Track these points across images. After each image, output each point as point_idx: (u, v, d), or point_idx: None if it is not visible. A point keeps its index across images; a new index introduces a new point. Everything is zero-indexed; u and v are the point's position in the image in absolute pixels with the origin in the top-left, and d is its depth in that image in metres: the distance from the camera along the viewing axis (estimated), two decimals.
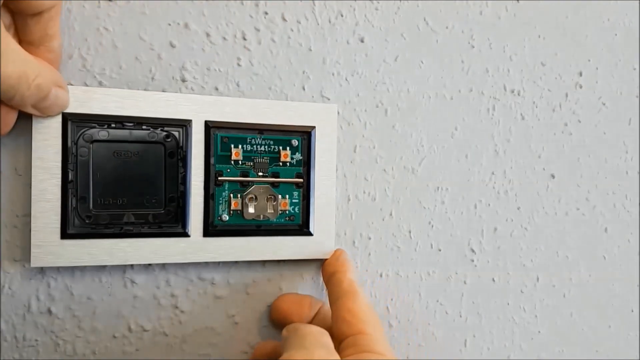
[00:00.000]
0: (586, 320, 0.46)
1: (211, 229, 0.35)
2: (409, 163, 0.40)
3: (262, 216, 0.36)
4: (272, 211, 0.36)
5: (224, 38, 0.36)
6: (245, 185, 0.35)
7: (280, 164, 0.36)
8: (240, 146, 0.35)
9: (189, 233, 0.34)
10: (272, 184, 0.36)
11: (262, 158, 0.36)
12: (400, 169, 0.40)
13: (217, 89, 0.36)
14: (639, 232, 0.47)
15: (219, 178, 0.35)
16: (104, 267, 0.34)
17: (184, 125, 0.34)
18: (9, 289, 0.33)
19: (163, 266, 0.35)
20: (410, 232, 0.40)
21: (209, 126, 0.34)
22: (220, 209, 0.35)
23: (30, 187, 0.31)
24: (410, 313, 0.41)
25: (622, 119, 0.46)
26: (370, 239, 0.39)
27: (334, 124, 0.37)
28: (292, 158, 0.36)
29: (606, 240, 0.46)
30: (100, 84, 0.34)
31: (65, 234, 0.32)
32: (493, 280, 0.43)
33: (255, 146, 0.35)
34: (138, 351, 0.35)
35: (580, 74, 0.44)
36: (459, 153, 0.41)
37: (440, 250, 0.41)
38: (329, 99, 0.38)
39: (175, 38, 0.35)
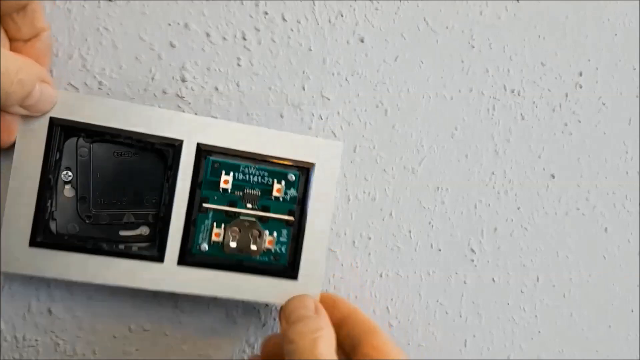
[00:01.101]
0: (586, 320, 0.46)
1: (188, 258, 0.32)
2: (409, 163, 0.40)
3: (244, 251, 0.33)
4: (256, 248, 0.33)
5: (224, 38, 0.36)
6: (230, 215, 0.33)
7: (272, 198, 0.34)
8: (231, 173, 0.33)
9: (163, 259, 0.32)
10: (261, 218, 0.33)
11: (254, 189, 0.33)
12: (400, 169, 0.40)
13: (217, 88, 0.36)
14: (639, 232, 0.47)
15: (204, 205, 0.32)
16: None
17: (174, 144, 0.32)
18: (9, 289, 0.33)
19: None
20: (410, 232, 0.40)
21: (201, 149, 0.32)
22: (200, 237, 0.33)
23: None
24: (410, 313, 0.41)
25: (622, 119, 0.46)
26: (370, 239, 0.39)
27: (337, 164, 0.34)
28: (285, 193, 0.34)
29: (606, 240, 0.46)
30: (100, 83, 0.34)
31: (34, 243, 0.30)
32: (493, 280, 0.43)
33: (247, 175, 0.33)
34: (138, 351, 0.35)
35: (580, 74, 0.44)
36: (459, 153, 0.41)
37: (440, 250, 0.41)
38: (329, 99, 0.38)
39: (175, 38, 0.35)
